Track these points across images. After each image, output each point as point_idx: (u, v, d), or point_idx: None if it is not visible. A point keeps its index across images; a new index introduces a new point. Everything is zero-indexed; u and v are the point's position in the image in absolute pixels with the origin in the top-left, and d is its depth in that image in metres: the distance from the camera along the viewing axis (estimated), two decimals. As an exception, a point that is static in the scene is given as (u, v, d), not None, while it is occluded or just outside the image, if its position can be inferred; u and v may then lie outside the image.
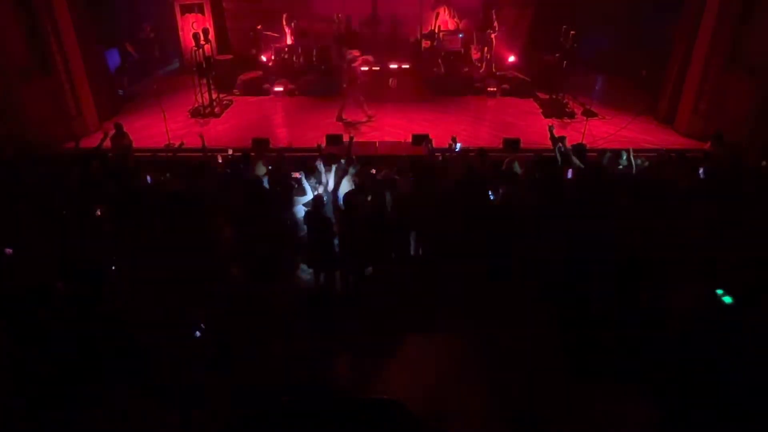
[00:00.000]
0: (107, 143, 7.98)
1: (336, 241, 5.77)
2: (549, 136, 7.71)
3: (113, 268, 4.68)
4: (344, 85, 11.14)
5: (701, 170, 6.50)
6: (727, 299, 3.54)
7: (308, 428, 2.15)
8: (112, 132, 8.40)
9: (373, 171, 7.21)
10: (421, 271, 5.69)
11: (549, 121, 10.32)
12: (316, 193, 6.00)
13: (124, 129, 8.57)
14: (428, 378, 3.78)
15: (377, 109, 11.45)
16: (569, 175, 6.84)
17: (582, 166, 6.59)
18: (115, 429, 2.89)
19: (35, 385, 3.21)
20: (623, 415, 3.24)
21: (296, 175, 6.51)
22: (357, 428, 2.17)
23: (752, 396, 2.96)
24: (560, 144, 6.94)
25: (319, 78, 13.05)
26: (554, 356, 3.92)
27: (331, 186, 6.06)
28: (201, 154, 7.79)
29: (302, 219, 5.84)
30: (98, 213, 5.84)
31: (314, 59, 13.30)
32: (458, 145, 7.85)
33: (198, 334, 3.41)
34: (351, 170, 6.47)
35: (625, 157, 7.10)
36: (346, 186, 6.16)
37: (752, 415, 2.92)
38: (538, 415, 3.19)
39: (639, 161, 7.10)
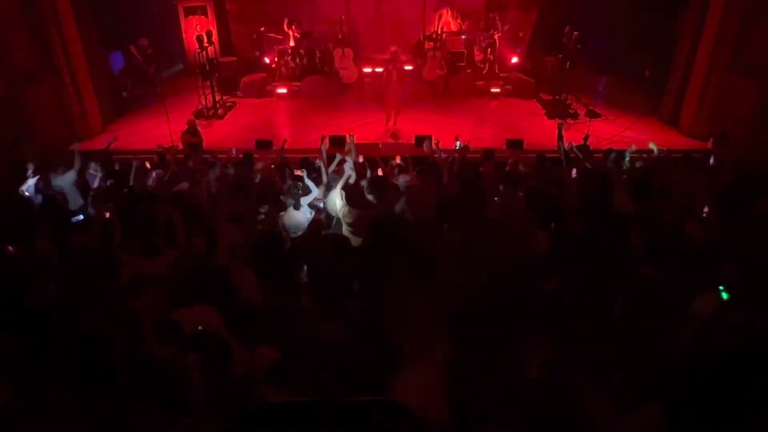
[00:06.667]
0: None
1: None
2: (557, 134, 7.57)
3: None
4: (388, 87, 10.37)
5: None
6: (725, 296, 3.52)
7: (307, 430, 2.13)
8: (115, 136, 8.44)
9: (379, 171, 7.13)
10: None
11: (554, 122, 10.28)
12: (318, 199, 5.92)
13: (124, 130, 8.65)
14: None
15: (378, 110, 11.41)
16: (573, 174, 6.82)
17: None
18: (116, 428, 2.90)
19: (40, 385, 3.22)
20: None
21: (298, 172, 6.48)
22: (356, 429, 2.15)
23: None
24: (571, 144, 6.94)
25: (321, 80, 13.05)
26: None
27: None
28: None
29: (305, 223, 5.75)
30: (107, 215, 5.85)
31: (317, 61, 13.33)
32: (458, 144, 7.83)
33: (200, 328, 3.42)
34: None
35: (627, 159, 7.09)
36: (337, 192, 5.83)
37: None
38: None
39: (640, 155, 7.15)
